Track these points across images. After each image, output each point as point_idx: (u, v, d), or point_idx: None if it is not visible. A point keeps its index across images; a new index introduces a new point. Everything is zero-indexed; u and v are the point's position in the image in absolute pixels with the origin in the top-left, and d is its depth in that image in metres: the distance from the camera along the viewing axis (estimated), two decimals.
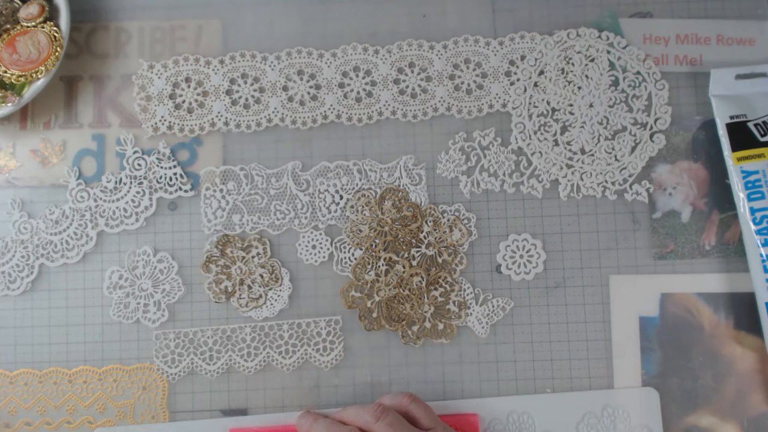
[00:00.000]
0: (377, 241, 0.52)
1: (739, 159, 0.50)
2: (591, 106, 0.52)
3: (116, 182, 0.53)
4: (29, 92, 0.51)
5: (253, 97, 0.53)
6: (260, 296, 0.52)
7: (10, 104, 0.50)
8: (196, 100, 0.53)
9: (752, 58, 0.53)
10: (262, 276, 0.52)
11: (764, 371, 0.50)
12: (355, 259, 0.52)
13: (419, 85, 0.53)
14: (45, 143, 0.53)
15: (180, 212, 0.53)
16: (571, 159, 0.52)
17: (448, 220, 0.52)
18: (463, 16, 0.54)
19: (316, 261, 0.52)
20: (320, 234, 0.52)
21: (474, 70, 0.53)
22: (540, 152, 0.52)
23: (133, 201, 0.52)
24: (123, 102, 0.54)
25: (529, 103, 0.53)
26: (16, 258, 0.52)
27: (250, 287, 0.52)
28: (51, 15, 0.52)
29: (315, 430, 0.47)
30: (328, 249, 0.52)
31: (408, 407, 0.47)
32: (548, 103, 0.53)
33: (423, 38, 0.53)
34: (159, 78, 0.53)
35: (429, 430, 0.46)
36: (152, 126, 0.53)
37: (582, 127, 0.52)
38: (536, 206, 0.52)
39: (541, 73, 0.53)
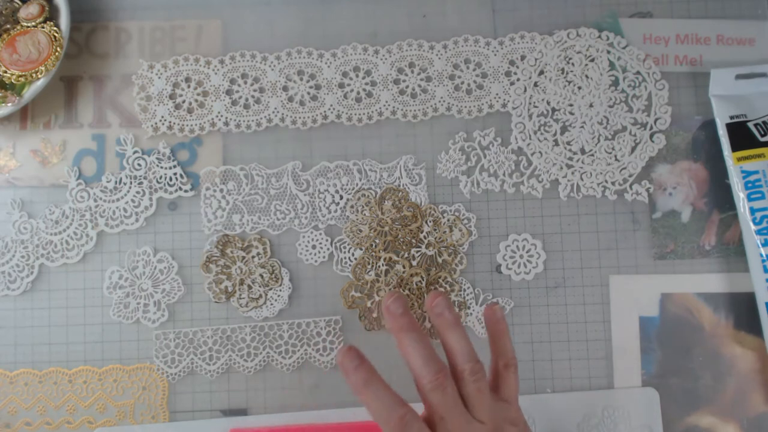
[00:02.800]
0: (377, 241, 0.52)
1: (739, 159, 0.50)
2: (591, 106, 0.52)
3: (116, 182, 0.53)
4: (29, 92, 0.51)
5: (253, 97, 0.53)
6: (260, 296, 0.52)
7: (10, 104, 0.50)
8: (196, 100, 0.53)
9: (752, 58, 0.53)
10: (262, 276, 0.52)
11: (764, 371, 0.50)
12: (355, 259, 0.52)
13: (419, 85, 0.53)
14: (45, 143, 0.53)
15: (180, 212, 0.53)
16: (571, 159, 0.52)
17: (448, 220, 0.52)
18: (463, 16, 0.54)
19: (316, 261, 0.52)
20: (320, 234, 0.52)
21: (474, 70, 0.53)
22: (540, 152, 0.52)
23: (133, 201, 0.52)
24: (123, 102, 0.54)
25: (529, 103, 0.53)
26: (16, 258, 0.52)
27: (250, 287, 0.52)
28: (51, 15, 0.52)
29: (365, 394, 0.41)
30: (328, 249, 0.52)
31: (501, 372, 0.43)
32: (548, 103, 0.53)
33: (423, 38, 0.53)
34: (159, 78, 0.53)
35: (506, 401, 0.42)
36: (152, 126, 0.53)
37: (582, 127, 0.52)
38: (536, 206, 0.52)
39: (541, 73, 0.53)
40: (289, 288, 0.52)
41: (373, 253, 0.52)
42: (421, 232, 0.52)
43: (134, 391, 0.51)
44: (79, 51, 0.54)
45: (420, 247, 0.52)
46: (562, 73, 0.53)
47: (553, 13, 0.54)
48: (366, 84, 0.53)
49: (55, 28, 0.51)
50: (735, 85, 0.52)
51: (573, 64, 0.53)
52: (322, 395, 0.51)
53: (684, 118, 0.53)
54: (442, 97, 0.53)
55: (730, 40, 0.53)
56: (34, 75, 0.50)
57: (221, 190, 0.53)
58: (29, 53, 0.51)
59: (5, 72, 0.51)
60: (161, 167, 0.53)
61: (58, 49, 0.51)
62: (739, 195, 0.50)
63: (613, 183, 0.52)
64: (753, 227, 0.50)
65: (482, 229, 0.52)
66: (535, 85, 0.53)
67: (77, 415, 0.51)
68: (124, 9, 0.54)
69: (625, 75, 0.53)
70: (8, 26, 0.52)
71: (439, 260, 0.52)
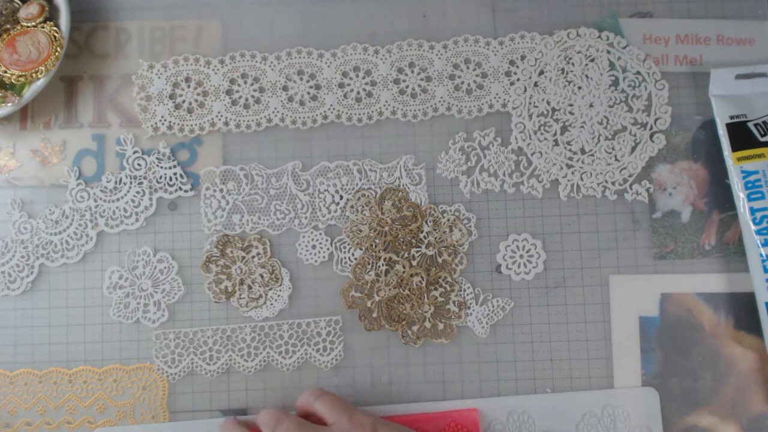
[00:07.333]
0: (377, 241, 0.52)
1: (739, 159, 0.50)
2: (591, 106, 0.52)
3: (116, 182, 0.53)
4: (29, 92, 0.51)
5: (253, 97, 0.53)
6: (260, 296, 0.52)
7: (10, 104, 0.50)
8: (196, 100, 0.53)
9: (752, 58, 0.53)
10: (262, 276, 0.52)
11: (764, 371, 0.50)
12: (355, 259, 0.52)
13: (419, 85, 0.53)
14: (45, 143, 0.53)
15: (180, 212, 0.53)
16: (571, 159, 0.52)
17: (448, 220, 0.52)
18: (463, 16, 0.54)
19: (316, 261, 0.52)
20: (320, 234, 0.52)
21: (474, 70, 0.53)
22: (540, 152, 0.52)
23: (133, 201, 0.52)
24: (123, 102, 0.54)
25: (529, 103, 0.53)
26: (16, 258, 0.52)
27: (250, 287, 0.52)
28: (51, 15, 0.52)
29: None
30: (328, 249, 0.52)
31: (312, 405, 0.46)
32: (548, 103, 0.53)
33: (423, 38, 0.53)
34: (159, 78, 0.53)
35: (333, 425, 0.44)
36: (152, 126, 0.53)
37: (582, 127, 0.52)
38: (536, 206, 0.52)
39: (541, 73, 0.53)
40: (289, 288, 0.52)
41: (373, 253, 0.52)
42: (421, 232, 0.52)
43: (134, 391, 0.51)
44: (79, 51, 0.54)
45: (420, 247, 0.52)
46: (562, 73, 0.53)
47: (553, 13, 0.54)
48: (366, 84, 0.53)
49: (55, 28, 0.51)
50: (735, 85, 0.52)
51: (573, 64, 0.53)
52: None
53: (684, 118, 0.53)
54: (442, 97, 0.53)
55: (730, 40, 0.53)
56: (34, 75, 0.50)
57: (221, 190, 0.53)
58: (29, 53, 0.51)
59: (5, 72, 0.51)
60: (161, 167, 0.53)
61: (58, 49, 0.51)
62: (739, 195, 0.50)
63: (613, 183, 0.52)
64: (753, 227, 0.50)
65: (482, 229, 0.52)
66: (535, 85, 0.53)
67: (77, 415, 0.51)
68: (124, 9, 0.54)
69: (625, 75, 0.53)
70: (8, 26, 0.52)
71: (439, 260, 0.52)
